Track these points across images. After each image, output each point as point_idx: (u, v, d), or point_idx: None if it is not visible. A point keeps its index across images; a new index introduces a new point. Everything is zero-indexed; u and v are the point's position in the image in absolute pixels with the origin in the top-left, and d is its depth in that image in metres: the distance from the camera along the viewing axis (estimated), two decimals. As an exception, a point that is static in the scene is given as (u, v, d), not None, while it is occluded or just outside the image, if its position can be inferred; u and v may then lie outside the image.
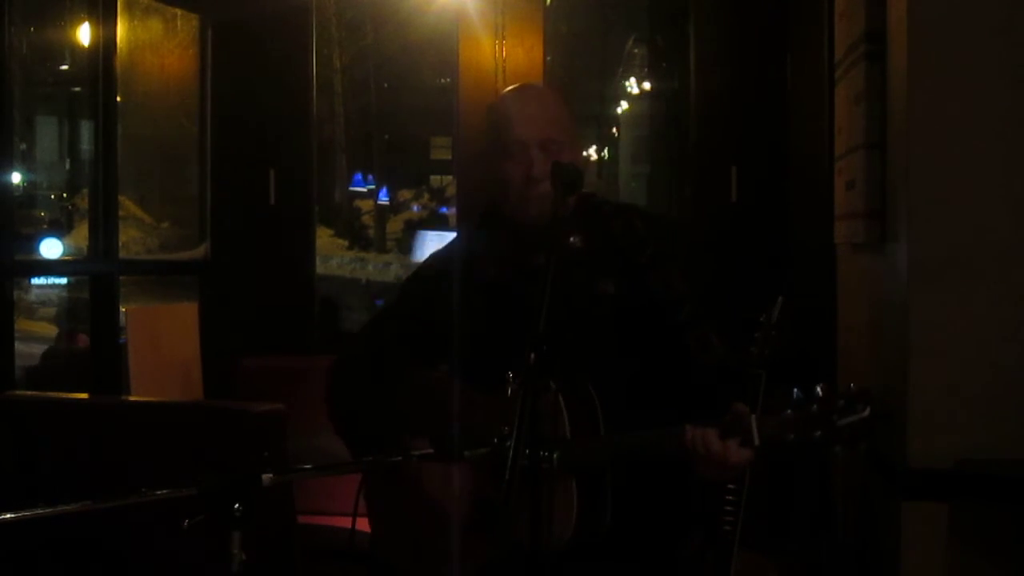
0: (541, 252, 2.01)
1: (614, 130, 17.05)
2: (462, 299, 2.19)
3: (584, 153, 2.26)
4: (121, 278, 4.22)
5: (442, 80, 14.72)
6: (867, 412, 1.80)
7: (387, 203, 19.02)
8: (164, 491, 1.65)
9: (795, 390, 1.85)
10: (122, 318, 4.10)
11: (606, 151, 17.75)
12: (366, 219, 18.77)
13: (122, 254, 4.34)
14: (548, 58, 4.35)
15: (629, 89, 14.96)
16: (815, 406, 1.81)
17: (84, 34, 4.29)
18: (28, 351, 6.50)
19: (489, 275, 2.18)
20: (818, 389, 1.83)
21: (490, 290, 2.17)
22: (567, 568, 1.97)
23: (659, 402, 2.06)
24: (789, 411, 1.83)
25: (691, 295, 2.11)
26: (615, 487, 2.01)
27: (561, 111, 2.18)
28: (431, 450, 1.88)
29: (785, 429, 1.83)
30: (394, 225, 18.55)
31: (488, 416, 1.94)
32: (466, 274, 2.22)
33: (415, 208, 19.31)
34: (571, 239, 2.15)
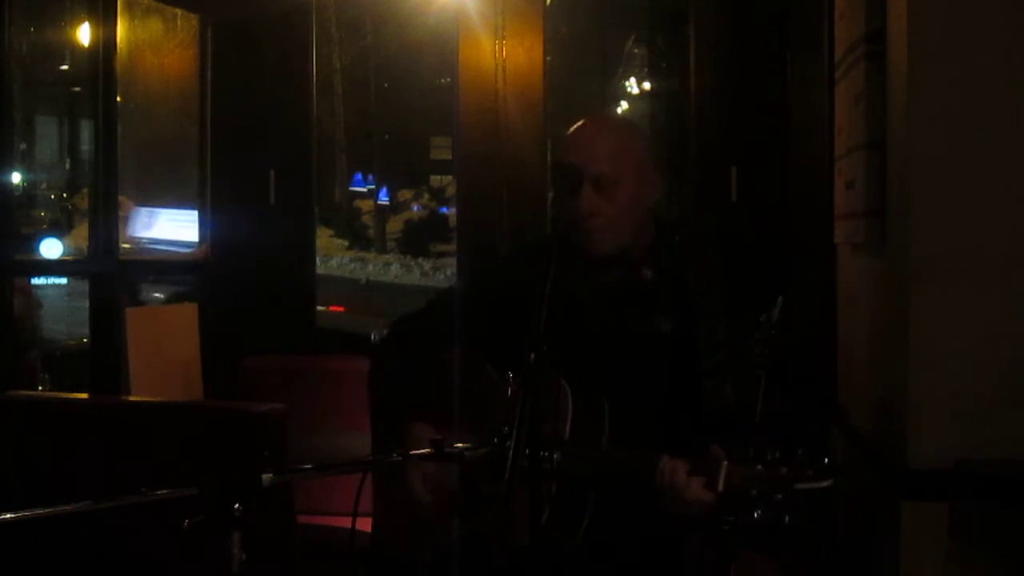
0: (607, 275, 2.14)
1: (614, 130, 17.00)
2: (526, 310, 2.21)
3: (654, 190, 2.26)
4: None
5: (442, 80, 14.72)
6: (827, 484, 1.80)
7: (387, 203, 19.02)
8: (164, 491, 1.65)
9: (771, 450, 1.85)
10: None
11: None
12: (366, 219, 18.79)
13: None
14: (548, 58, 4.35)
15: (629, 89, 14.95)
16: (784, 469, 1.81)
17: (84, 34, 4.30)
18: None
19: (555, 291, 2.19)
20: (799, 452, 1.83)
21: (554, 306, 2.18)
22: (551, 569, 1.98)
23: (665, 436, 2.07)
24: (760, 467, 1.83)
25: (728, 347, 2.13)
26: (599, 499, 2.01)
27: (621, 145, 2.16)
28: (431, 450, 1.88)
29: (750, 484, 1.83)
30: (394, 225, 18.56)
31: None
32: (533, 286, 2.23)
33: (415, 208, 19.32)
34: (643, 271, 2.19)
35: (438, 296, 2.51)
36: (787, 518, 1.81)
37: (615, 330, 2.18)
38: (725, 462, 1.87)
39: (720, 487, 1.87)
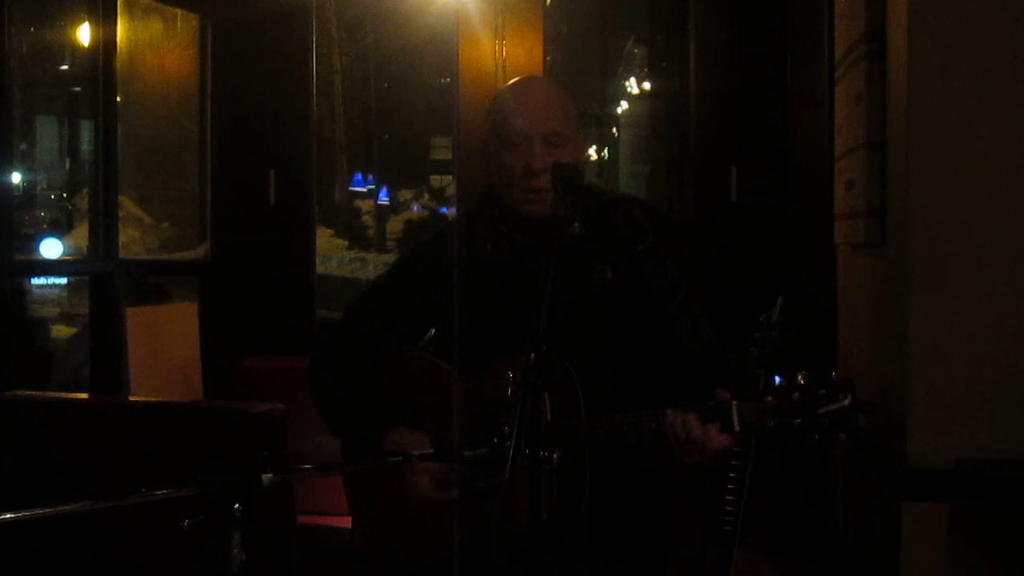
0: (536, 242, 2.08)
1: (614, 130, 17.07)
2: (455, 278, 2.20)
3: (586, 150, 2.25)
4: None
5: (442, 80, 14.73)
6: (848, 401, 1.80)
7: (387, 203, 19.02)
8: (164, 491, 1.65)
9: (776, 377, 1.85)
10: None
11: (606, 151, 17.78)
12: (366, 219, 18.78)
13: (122, 254, 4.34)
14: (548, 58, 4.35)
15: (629, 89, 14.97)
16: (796, 394, 1.82)
17: (84, 34, 4.29)
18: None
19: (484, 257, 2.18)
20: (799, 377, 1.83)
21: (484, 271, 2.17)
22: (550, 556, 1.97)
23: (645, 388, 2.07)
24: (770, 398, 1.83)
25: (684, 283, 2.12)
26: (595, 473, 2.01)
27: (566, 105, 2.17)
28: (431, 450, 1.88)
29: (766, 416, 1.84)
30: (394, 225, 18.54)
31: (471, 395, 2.00)
32: (462, 254, 2.22)
33: (415, 208, 19.31)
34: (572, 224, 2.16)
35: (358, 300, 2.46)
36: (817, 436, 1.80)
37: (559, 290, 2.16)
38: (734, 402, 1.87)
39: (737, 427, 1.86)
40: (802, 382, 1.82)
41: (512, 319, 1.86)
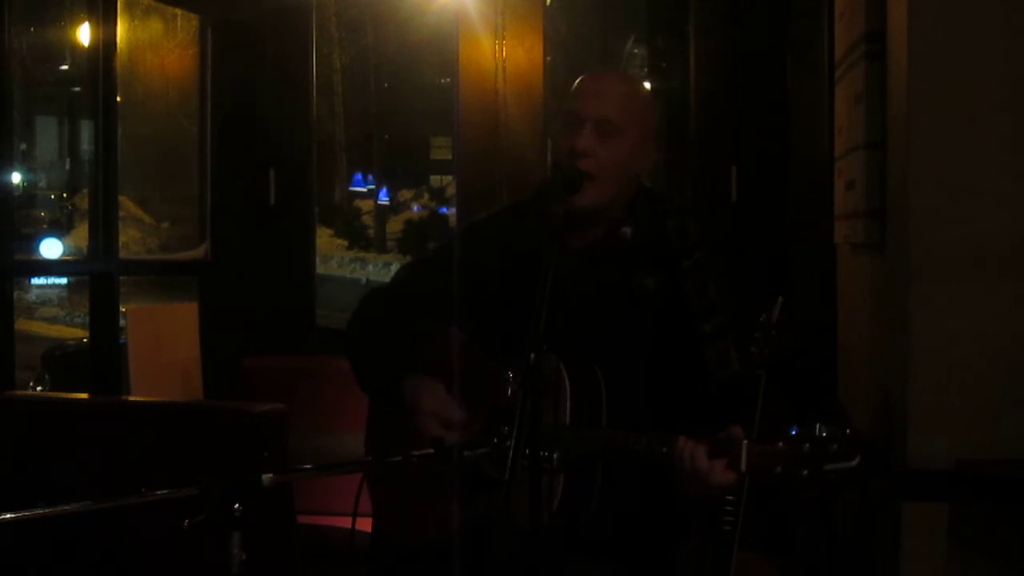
0: (585, 237, 2.12)
1: (614, 130, 17.00)
2: (500, 267, 2.19)
3: (654, 154, 2.23)
4: (121, 278, 4.22)
5: (442, 80, 14.75)
6: (855, 462, 1.78)
7: (387, 203, 19.05)
8: (164, 491, 1.65)
9: (793, 428, 1.84)
10: (122, 318, 4.11)
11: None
12: (366, 219, 18.80)
13: (122, 254, 4.35)
14: (548, 58, 4.35)
15: (629, 89, 14.92)
16: (808, 445, 1.80)
17: (84, 34, 4.30)
18: (28, 351, 6.51)
19: (528, 248, 2.16)
20: (817, 428, 1.82)
21: (527, 263, 2.16)
22: (554, 559, 1.97)
23: (665, 403, 2.06)
24: (781, 444, 1.82)
25: (722, 308, 2.11)
26: (605, 477, 2.01)
27: (631, 99, 2.15)
28: (431, 449, 1.88)
29: (774, 461, 1.82)
30: (394, 225, 18.57)
31: (494, 388, 2.00)
32: (510, 244, 2.21)
33: (415, 208, 19.34)
34: (622, 228, 2.16)
35: (407, 267, 2.47)
36: (835, 476, 1.79)
37: (597, 292, 2.13)
38: (745, 441, 1.86)
39: (743, 467, 1.86)
40: (817, 434, 1.81)
41: (550, 313, 1.85)
